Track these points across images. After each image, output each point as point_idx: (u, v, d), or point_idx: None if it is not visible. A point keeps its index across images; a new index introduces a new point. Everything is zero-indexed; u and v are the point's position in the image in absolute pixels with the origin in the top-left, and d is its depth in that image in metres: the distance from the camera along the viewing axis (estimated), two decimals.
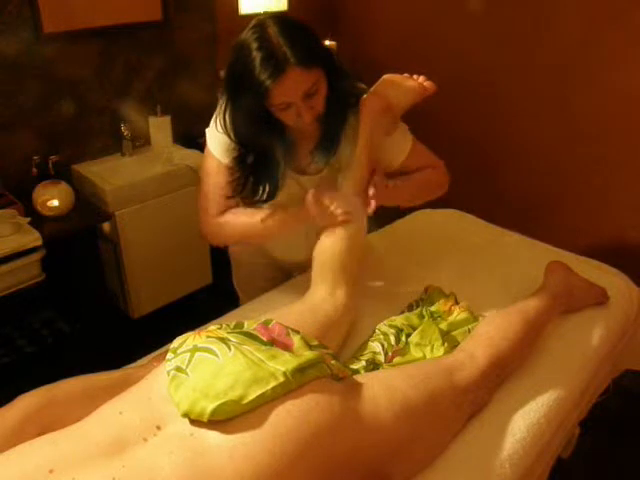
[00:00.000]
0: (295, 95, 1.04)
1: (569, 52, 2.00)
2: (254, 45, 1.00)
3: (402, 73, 1.23)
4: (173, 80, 2.37)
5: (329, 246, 1.20)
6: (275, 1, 2.48)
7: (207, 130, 1.25)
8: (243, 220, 1.26)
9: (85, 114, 2.17)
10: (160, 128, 2.30)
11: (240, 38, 1.04)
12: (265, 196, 1.22)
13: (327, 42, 2.38)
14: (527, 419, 1.03)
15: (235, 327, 0.93)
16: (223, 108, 1.14)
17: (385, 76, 1.18)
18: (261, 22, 1.03)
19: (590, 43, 1.93)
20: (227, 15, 2.36)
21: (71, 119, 2.13)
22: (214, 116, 1.22)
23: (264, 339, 0.89)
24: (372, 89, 1.16)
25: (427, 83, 1.20)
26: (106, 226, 2.12)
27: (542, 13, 2.04)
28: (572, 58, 2.00)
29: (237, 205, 1.27)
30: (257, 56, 1.00)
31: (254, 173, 1.20)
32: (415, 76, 1.21)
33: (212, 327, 0.93)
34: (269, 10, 2.49)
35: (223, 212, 1.26)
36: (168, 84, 2.36)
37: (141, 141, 2.34)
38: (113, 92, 2.23)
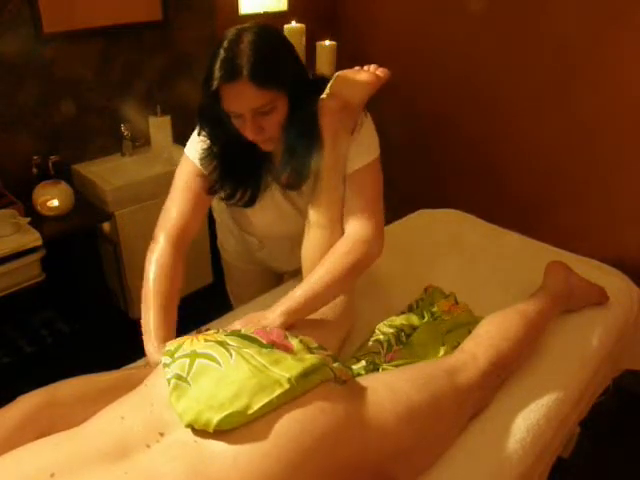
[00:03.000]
0: (241, 108, 1.01)
1: (570, 52, 2.00)
2: (224, 44, 1.00)
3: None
4: (173, 80, 2.37)
5: (319, 248, 1.19)
6: (275, 1, 2.48)
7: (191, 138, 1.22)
8: (146, 276, 1.15)
9: (85, 114, 2.17)
10: (160, 128, 2.29)
11: (224, 33, 1.04)
12: (243, 202, 1.19)
13: (327, 42, 2.37)
14: (527, 419, 1.03)
15: (232, 332, 0.92)
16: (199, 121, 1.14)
17: (337, 73, 1.14)
18: (244, 28, 1.01)
19: (592, 43, 1.93)
20: (227, 15, 2.36)
21: (71, 119, 2.13)
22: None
23: (264, 342, 0.88)
24: (327, 90, 1.11)
25: (379, 71, 1.15)
26: (106, 226, 2.12)
27: (544, 12, 2.04)
28: (573, 58, 2.00)
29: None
30: (220, 54, 0.99)
31: (230, 177, 1.17)
32: (366, 67, 1.17)
33: (209, 332, 0.92)
34: (269, 10, 2.49)
35: (171, 235, 1.17)
36: (168, 84, 2.36)
37: (141, 141, 2.34)
38: (113, 92, 2.22)
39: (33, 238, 1.77)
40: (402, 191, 2.32)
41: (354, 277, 1.15)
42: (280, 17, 2.47)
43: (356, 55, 2.59)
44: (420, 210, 1.85)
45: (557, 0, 1.99)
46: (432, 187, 2.56)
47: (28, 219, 1.84)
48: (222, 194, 1.20)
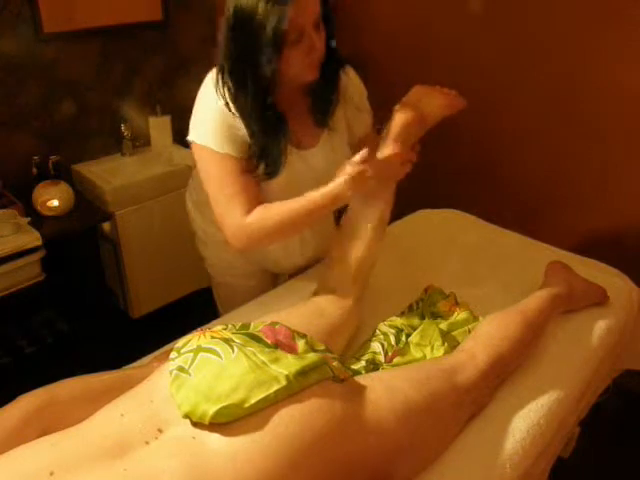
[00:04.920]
0: (310, 17, 1.02)
1: (571, 52, 2.00)
2: None
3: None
4: (173, 80, 2.37)
5: (360, 247, 1.20)
6: None
7: (194, 128, 1.16)
8: (288, 207, 1.11)
9: (85, 114, 2.17)
10: (160, 128, 2.29)
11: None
12: (269, 171, 1.16)
13: None
14: (527, 419, 1.03)
15: (241, 328, 0.93)
16: (221, 80, 1.10)
17: (417, 87, 1.18)
18: None
19: (593, 43, 1.93)
20: None
21: (71, 119, 2.13)
22: (198, 114, 1.16)
23: (268, 342, 0.89)
24: (404, 99, 1.15)
25: (459, 99, 1.21)
26: (106, 226, 2.12)
27: (542, 10, 2.04)
28: (574, 57, 2.00)
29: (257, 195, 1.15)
30: None
31: (257, 148, 1.14)
32: (446, 90, 1.21)
33: (217, 327, 0.93)
34: None
35: (250, 210, 1.12)
36: (168, 84, 2.36)
37: (141, 141, 2.34)
38: (113, 92, 2.23)
39: (33, 238, 1.77)
40: (402, 191, 2.31)
41: None
42: None
43: (355, 52, 2.59)
44: (420, 210, 1.85)
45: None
46: (432, 187, 2.55)
47: (28, 219, 1.84)
48: (253, 165, 1.15)
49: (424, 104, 1.19)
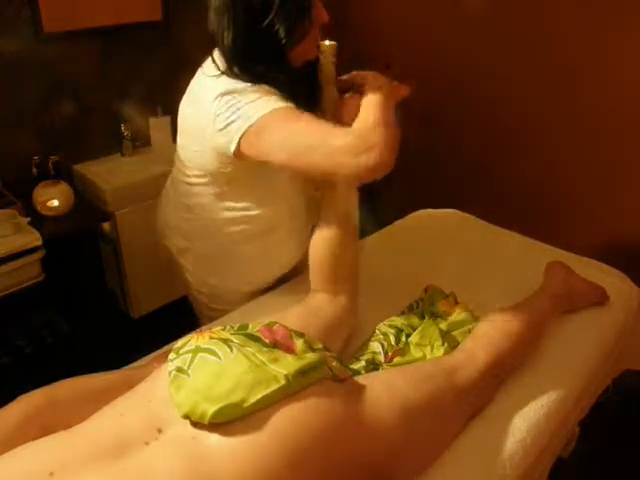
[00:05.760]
0: None
1: (571, 51, 2.00)
2: None
3: (402, 73, 1.22)
4: (173, 80, 2.36)
5: (325, 246, 1.20)
6: None
7: (243, 109, 1.02)
8: (379, 112, 1.01)
9: (85, 114, 2.17)
10: (160, 128, 2.29)
11: None
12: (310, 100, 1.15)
13: (327, 42, 2.37)
14: (527, 419, 1.03)
15: (239, 329, 0.93)
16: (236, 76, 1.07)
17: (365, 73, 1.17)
18: None
19: (593, 42, 1.93)
20: None
21: (71, 119, 2.13)
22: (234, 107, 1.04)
23: (267, 341, 0.89)
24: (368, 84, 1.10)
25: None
26: (106, 226, 2.12)
27: (544, 10, 2.04)
28: (574, 57, 2.00)
29: None
30: None
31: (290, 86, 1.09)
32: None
33: (216, 328, 0.93)
34: None
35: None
36: (168, 84, 2.36)
37: (141, 141, 2.34)
38: (113, 92, 2.22)
39: (33, 238, 1.77)
40: (402, 191, 2.32)
41: None
42: None
43: (357, 55, 2.59)
44: (420, 210, 1.85)
45: None
46: (432, 187, 2.56)
47: (28, 219, 1.84)
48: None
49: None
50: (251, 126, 1.01)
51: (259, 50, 1.06)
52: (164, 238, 1.44)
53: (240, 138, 1.03)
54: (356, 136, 0.97)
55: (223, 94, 1.05)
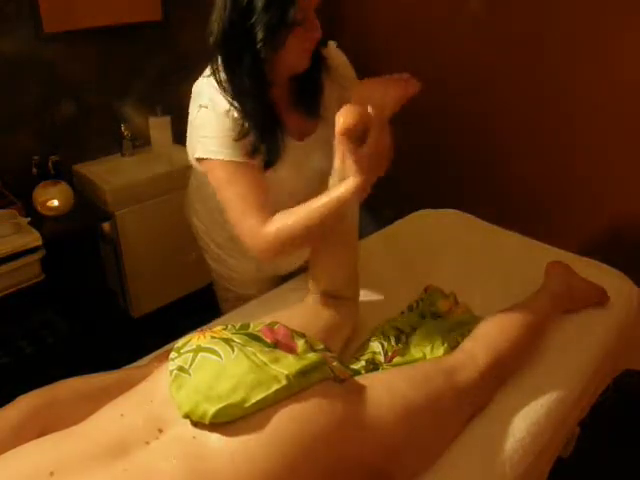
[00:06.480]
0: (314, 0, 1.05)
1: (571, 51, 2.00)
2: None
3: (402, 73, 1.19)
4: (173, 80, 2.37)
5: (325, 247, 1.20)
6: None
7: (203, 140, 1.12)
8: (306, 209, 1.03)
9: (85, 114, 2.17)
10: (160, 128, 2.29)
11: None
12: (268, 158, 1.14)
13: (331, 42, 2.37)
14: (527, 419, 1.03)
15: (240, 328, 0.93)
16: (219, 74, 1.10)
17: (366, 81, 1.10)
18: None
19: (593, 42, 1.93)
20: None
21: (71, 119, 2.13)
22: (196, 123, 1.14)
23: (268, 341, 0.89)
24: (353, 99, 1.04)
25: (413, 82, 1.12)
26: (106, 226, 2.12)
27: (544, 11, 2.04)
28: (574, 57, 2.00)
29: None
30: None
31: (255, 131, 1.10)
32: (396, 76, 1.11)
33: (217, 327, 0.93)
34: None
35: (270, 217, 1.06)
36: (168, 84, 2.36)
37: (141, 141, 2.34)
38: (113, 92, 2.23)
39: (33, 238, 1.77)
40: (402, 191, 2.31)
41: None
42: None
43: (356, 54, 2.59)
44: (420, 210, 1.85)
45: None
46: (432, 187, 2.55)
47: (28, 219, 1.83)
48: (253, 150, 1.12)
49: (376, 100, 1.06)
50: (204, 158, 1.12)
51: (239, 49, 1.08)
52: (191, 217, 1.51)
53: (198, 158, 1.14)
54: (261, 231, 1.06)
55: (201, 106, 1.13)
